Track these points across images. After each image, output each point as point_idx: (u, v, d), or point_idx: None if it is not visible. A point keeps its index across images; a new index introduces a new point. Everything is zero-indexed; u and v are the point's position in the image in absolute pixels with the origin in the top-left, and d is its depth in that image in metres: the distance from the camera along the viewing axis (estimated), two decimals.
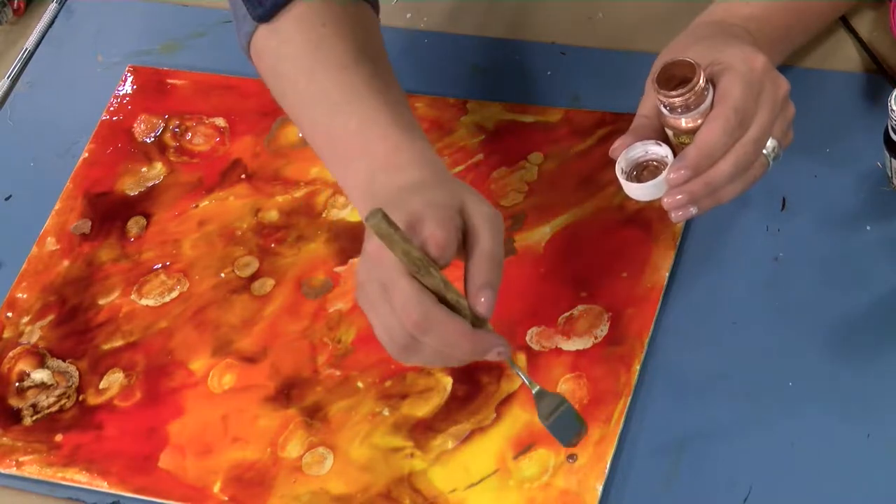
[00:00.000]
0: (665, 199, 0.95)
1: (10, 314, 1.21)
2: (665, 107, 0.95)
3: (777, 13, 1.05)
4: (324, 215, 1.21)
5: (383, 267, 0.92)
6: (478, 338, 0.93)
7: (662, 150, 0.96)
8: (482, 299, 0.92)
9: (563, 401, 0.98)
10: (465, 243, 0.94)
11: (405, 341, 0.93)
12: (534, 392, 0.98)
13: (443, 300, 0.92)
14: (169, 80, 1.33)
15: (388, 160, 1.00)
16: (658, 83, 0.94)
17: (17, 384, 1.17)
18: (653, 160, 0.97)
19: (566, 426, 0.98)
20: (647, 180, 0.96)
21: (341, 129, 1.04)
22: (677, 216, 0.95)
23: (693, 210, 0.95)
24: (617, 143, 0.97)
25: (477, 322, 0.93)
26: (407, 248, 0.90)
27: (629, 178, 0.97)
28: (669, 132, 0.97)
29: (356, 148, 1.02)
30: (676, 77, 0.94)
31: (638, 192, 0.96)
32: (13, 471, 1.12)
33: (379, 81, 1.05)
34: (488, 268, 0.93)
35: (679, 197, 0.94)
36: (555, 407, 0.98)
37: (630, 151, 0.97)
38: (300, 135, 1.23)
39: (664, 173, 0.95)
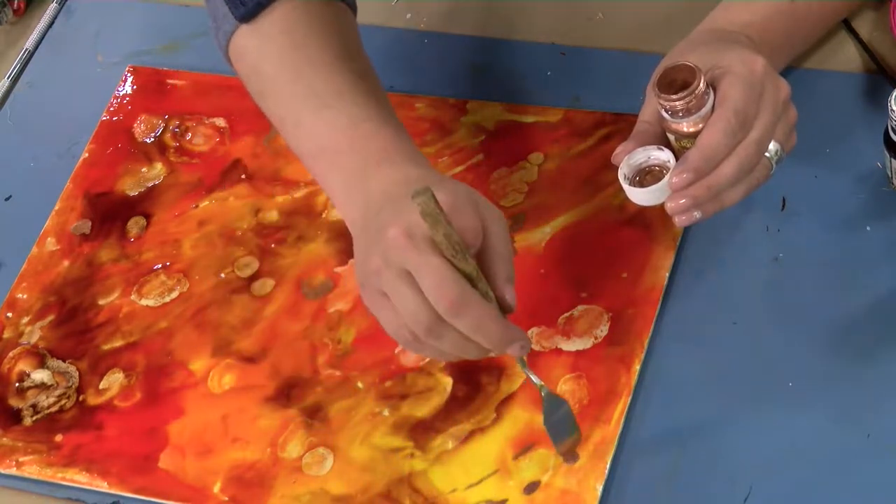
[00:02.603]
0: (668, 204, 0.95)
1: (10, 314, 1.21)
2: (666, 111, 0.95)
3: (777, 20, 1.05)
4: (324, 216, 1.20)
5: (410, 250, 0.91)
6: (507, 326, 0.93)
7: (665, 155, 0.96)
8: (508, 294, 0.93)
9: (565, 404, 1.00)
10: None
11: (430, 325, 0.91)
12: (543, 393, 0.99)
13: (474, 288, 0.92)
14: (169, 81, 1.33)
15: (382, 156, 1.00)
16: (659, 87, 0.94)
17: (17, 384, 1.17)
18: (655, 165, 0.97)
19: (562, 429, 1.00)
20: (650, 185, 0.96)
21: (328, 126, 1.03)
22: (681, 221, 0.95)
23: (697, 215, 0.95)
24: (619, 150, 0.97)
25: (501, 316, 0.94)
26: (449, 231, 0.89)
27: (632, 183, 0.97)
28: (671, 137, 0.96)
29: (345, 144, 1.02)
30: (677, 81, 0.94)
31: (641, 196, 0.96)
32: (13, 471, 1.12)
33: (365, 81, 1.05)
34: (507, 265, 0.94)
35: (682, 201, 0.94)
36: (556, 409, 1.00)
37: (632, 157, 0.97)
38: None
39: (667, 177, 0.95)
